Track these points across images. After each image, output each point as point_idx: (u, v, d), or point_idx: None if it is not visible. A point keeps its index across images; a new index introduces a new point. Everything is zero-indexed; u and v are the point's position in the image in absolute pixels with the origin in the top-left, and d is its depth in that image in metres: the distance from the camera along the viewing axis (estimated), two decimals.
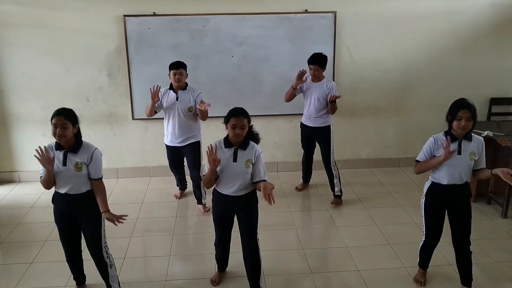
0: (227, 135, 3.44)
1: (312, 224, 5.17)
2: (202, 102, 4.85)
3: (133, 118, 6.05)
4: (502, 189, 5.05)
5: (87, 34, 5.73)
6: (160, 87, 4.87)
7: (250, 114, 6.18)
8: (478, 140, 3.47)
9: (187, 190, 5.72)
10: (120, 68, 5.87)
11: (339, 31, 5.93)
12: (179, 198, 5.59)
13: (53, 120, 3.25)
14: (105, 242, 3.59)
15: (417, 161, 3.60)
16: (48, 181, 3.32)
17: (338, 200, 5.43)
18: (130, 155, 6.27)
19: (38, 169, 3.41)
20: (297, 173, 5.91)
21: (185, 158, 5.26)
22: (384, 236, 4.68)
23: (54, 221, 3.55)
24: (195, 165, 5.13)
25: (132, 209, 5.36)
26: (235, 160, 3.40)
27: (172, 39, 5.79)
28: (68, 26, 5.69)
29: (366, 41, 6.03)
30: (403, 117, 6.39)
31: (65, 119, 3.25)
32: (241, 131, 3.33)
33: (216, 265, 4.02)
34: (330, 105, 5.10)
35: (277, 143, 6.35)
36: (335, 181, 5.38)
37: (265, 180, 3.41)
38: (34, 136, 5.92)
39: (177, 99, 4.90)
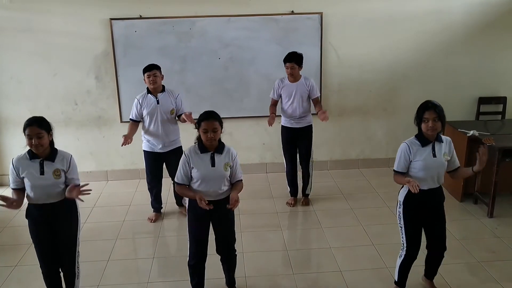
0: (200, 139, 3.38)
1: (298, 225, 5.18)
2: (188, 115, 4.69)
3: (121, 121, 6.07)
4: (489, 188, 5.05)
5: (75, 37, 5.77)
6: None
7: (237, 116, 6.26)
8: (446, 140, 3.45)
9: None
10: (108, 71, 5.90)
11: (326, 32, 5.95)
12: (153, 221, 5.14)
13: (26, 131, 3.15)
14: (78, 251, 3.50)
15: (396, 172, 3.46)
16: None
17: (308, 199, 5.48)
18: (119, 157, 6.30)
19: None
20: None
21: (165, 166, 5.14)
22: (369, 236, 4.68)
23: (30, 236, 3.41)
24: None
25: (119, 211, 5.39)
26: (213, 165, 3.35)
27: (159, 41, 5.81)
28: (55, 29, 5.73)
29: (353, 42, 6.05)
30: (392, 117, 6.40)
31: (39, 128, 3.16)
32: (214, 135, 3.28)
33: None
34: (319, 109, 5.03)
35: (266, 144, 6.36)
36: (309, 180, 5.41)
37: (241, 180, 3.50)
38: (23, 139, 5.88)
39: (158, 103, 4.81)
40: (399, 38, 6.09)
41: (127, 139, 4.85)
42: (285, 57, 4.99)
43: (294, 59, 4.94)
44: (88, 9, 5.68)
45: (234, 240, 3.66)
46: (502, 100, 6.40)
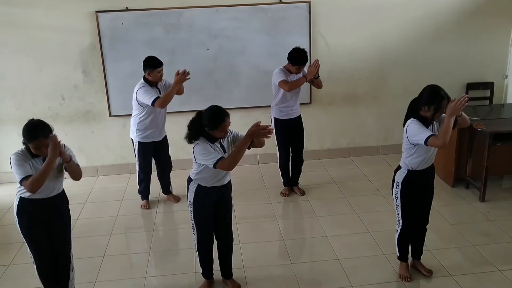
0: (203, 134, 3.37)
1: (293, 215, 5.18)
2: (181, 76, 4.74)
3: (110, 115, 5.98)
4: (480, 173, 5.10)
5: (60, 31, 5.65)
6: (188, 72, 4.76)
7: (228, 107, 6.19)
8: (441, 117, 3.45)
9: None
10: (95, 64, 5.80)
11: (314, 21, 5.92)
12: (148, 208, 5.26)
13: (33, 144, 3.03)
14: (71, 247, 3.52)
15: (431, 136, 3.28)
16: (43, 179, 3.05)
17: (301, 189, 5.49)
18: (109, 152, 6.21)
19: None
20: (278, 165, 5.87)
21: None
22: (364, 224, 4.70)
23: (24, 235, 3.33)
24: (169, 157, 5.28)
25: (112, 206, 5.32)
26: (225, 151, 3.43)
27: (146, 34, 5.72)
28: (40, 23, 5.60)
29: (342, 30, 6.03)
30: (381, 105, 6.41)
31: (45, 139, 3.04)
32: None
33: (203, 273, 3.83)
34: (316, 80, 5.00)
35: None
36: (301, 168, 5.44)
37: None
38: (10, 137, 5.79)
39: (159, 93, 4.84)
40: (387, 26, 6.08)
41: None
42: (299, 59, 4.84)
43: (306, 59, 4.87)
44: (73, 1, 5.55)
45: (231, 232, 3.72)
46: (489, 85, 6.45)
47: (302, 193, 5.45)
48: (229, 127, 3.43)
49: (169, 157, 5.30)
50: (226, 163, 3.28)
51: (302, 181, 5.58)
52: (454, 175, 5.41)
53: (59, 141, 3.05)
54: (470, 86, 6.41)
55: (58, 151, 3.05)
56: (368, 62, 6.20)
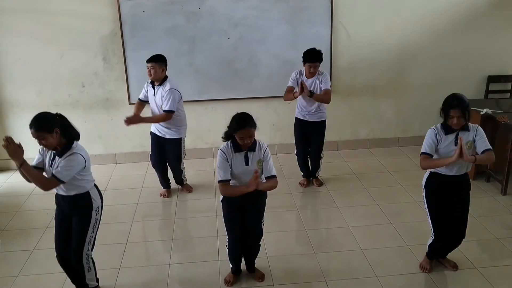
0: (233, 138, 3.35)
1: (313, 205, 5.17)
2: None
3: (129, 103, 5.98)
4: (501, 166, 5.06)
5: (81, 18, 5.65)
6: None
7: (247, 97, 6.15)
8: (473, 127, 3.43)
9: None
10: (116, 52, 5.80)
11: (336, 11, 5.87)
12: (167, 197, 5.26)
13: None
14: (88, 250, 3.42)
15: (424, 154, 3.42)
16: (27, 177, 3.08)
17: (319, 180, 5.48)
18: (128, 140, 6.22)
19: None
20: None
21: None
22: (385, 215, 4.69)
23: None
24: (176, 162, 5.16)
25: (132, 194, 5.34)
26: (247, 163, 3.37)
27: (167, 22, 5.70)
28: (61, 10, 5.60)
29: (363, 20, 5.98)
30: (401, 97, 6.37)
31: (37, 132, 3.02)
32: (250, 139, 3.28)
33: (230, 266, 3.79)
34: (313, 96, 4.86)
35: (275, 125, 6.32)
36: (320, 162, 5.40)
37: (275, 176, 3.42)
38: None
39: (154, 94, 4.82)
40: (409, 17, 6.03)
41: (131, 119, 4.82)
42: (309, 57, 4.79)
43: (318, 59, 4.82)
44: None
45: (261, 234, 3.68)
46: (510, 78, 6.40)
47: (320, 184, 5.44)
48: (263, 145, 3.41)
49: (177, 164, 5.19)
50: (223, 190, 3.38)
51: (321, 171, 5.53)
52: (475, 168, 5.36)
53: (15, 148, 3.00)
54: (491, 79, 6.35)
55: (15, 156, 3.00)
56: (388, 53, 6.16)
